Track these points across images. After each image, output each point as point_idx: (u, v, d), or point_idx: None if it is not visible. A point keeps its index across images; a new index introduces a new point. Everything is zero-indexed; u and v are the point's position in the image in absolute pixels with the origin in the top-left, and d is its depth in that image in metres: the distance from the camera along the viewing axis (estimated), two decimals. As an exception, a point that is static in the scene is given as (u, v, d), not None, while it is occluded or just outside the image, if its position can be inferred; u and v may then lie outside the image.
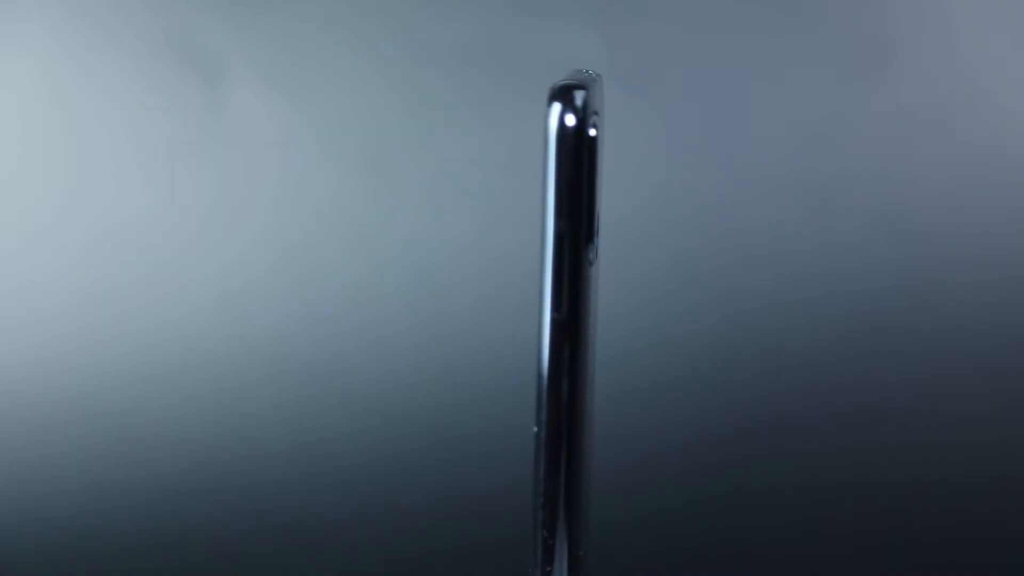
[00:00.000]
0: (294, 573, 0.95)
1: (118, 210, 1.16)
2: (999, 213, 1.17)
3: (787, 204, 1.17)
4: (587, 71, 0.56)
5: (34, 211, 1.16)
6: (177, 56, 1.15)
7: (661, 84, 1.15)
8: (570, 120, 0.51)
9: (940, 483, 1.04)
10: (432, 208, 1.16)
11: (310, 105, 1.16)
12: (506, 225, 1.13)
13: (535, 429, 0.52)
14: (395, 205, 1.16)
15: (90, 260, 1.15)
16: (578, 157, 0.51)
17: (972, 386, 1.12)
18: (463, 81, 1.16)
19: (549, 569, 0.53)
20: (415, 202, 1.16)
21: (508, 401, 1.08)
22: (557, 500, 0.53)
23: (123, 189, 1.16)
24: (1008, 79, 1.18)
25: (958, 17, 1.18)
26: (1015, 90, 1.18)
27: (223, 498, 1.03)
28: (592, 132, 0.51)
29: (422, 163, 1.16)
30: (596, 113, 0.52)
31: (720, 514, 1.02)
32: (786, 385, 1.13)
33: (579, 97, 0.51)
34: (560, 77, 0.56)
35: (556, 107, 0.51)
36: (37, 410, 1.10)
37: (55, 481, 1.05)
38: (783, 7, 1.18)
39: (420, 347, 1.12)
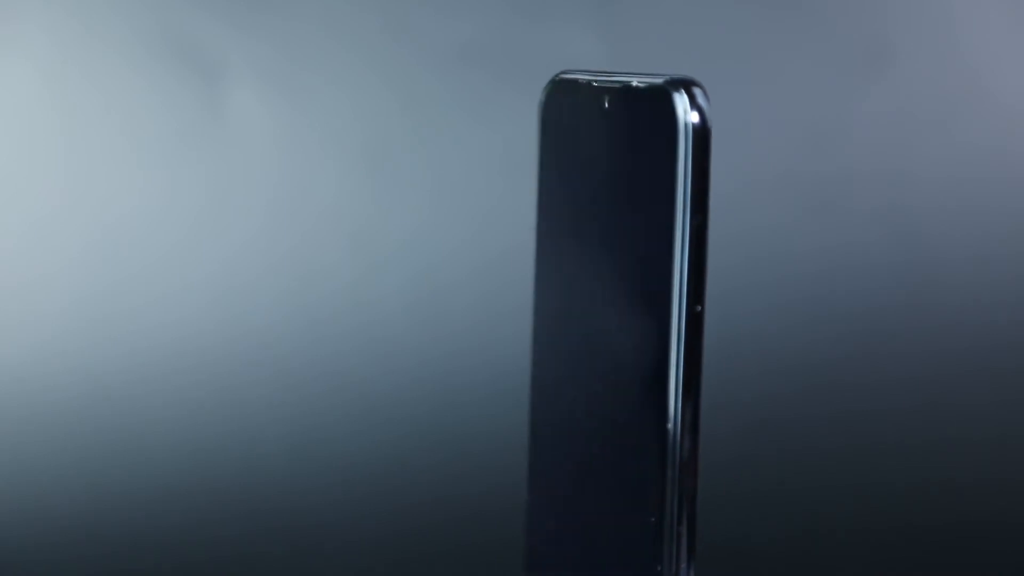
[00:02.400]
0: (294, 573, 0.95)
1: (118, 210, 1.16)
2: (999, 213, 1.17)
3: (787, 204, 1.17)
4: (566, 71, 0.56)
5: (34, 210, 1.16)
6: (176, 55, 1.15)
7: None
8: (694, 117, 0.52)
9: (940, 483, 1.04)
10: (431, 207, 1.16)
11: (309, 104, 1.16)
12: (505, 225, 1.13)
13: (668, 426, 0.52)
14: (394, 205, 1.16)
15: (90, 259, 1.15)
16: (706, 151, 0.52)
17: (972, 386, 1.12)
18: (462, 80, 1.16)
19: (684, 565, 0.53)
20: (414, 201, 1.16)
21: (508, 401, 1.07)
22: (691, 496, 0.53)
23: (122, 189, 1.17)
24: (1008, 79, 1.18)
25: (958, 17, 1.18)
26: (1015, 90, 1.18)
27: (223, 498, 1.03)
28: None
29: (421, 162, 1.16)
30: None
31: (720, 514, 1.01)
32: (786, 385, 1.13)
33: (699, 93, 0.52)
34: (554, 74, 0.56)
35: (682, 104, 0.52)
36: (37, 410, 1.10)
37: (55, 481, 1.05)
38: (783, 6, 1.18)
39: (419, 347, 1.12)
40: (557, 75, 0.56)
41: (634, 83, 0.53)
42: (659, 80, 0.53)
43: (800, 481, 1.05)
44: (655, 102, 0.53)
